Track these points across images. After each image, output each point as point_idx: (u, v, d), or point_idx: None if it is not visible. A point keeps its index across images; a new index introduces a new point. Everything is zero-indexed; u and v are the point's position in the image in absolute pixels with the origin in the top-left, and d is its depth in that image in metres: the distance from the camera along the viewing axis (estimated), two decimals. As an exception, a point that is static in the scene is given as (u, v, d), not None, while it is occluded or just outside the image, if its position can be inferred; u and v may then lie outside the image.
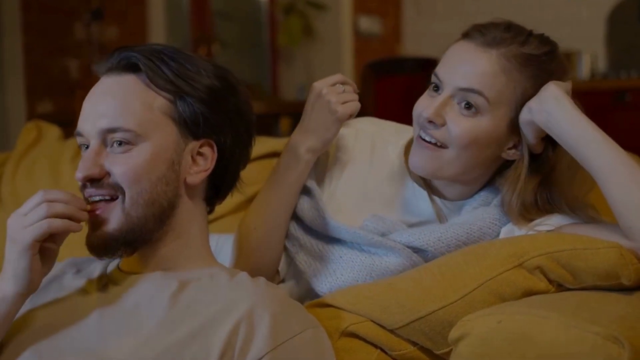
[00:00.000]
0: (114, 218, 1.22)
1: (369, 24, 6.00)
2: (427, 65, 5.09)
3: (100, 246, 1.23)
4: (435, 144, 1.39)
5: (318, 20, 5.76)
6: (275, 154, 1.92)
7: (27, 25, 4.62)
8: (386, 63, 5.10)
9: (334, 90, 1.44)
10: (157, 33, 5.15)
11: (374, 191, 1.50)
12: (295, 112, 5.12)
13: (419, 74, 4.80)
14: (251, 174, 1.42)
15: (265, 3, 6.03)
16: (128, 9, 5.10)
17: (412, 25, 6.20)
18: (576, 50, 4.98)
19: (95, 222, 1.23)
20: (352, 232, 1.43)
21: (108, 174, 1.22)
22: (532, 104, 1.35)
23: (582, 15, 5.51)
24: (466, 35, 1.40)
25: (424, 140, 1.40)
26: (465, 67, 1.37)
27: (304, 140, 1.45)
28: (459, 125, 1.36)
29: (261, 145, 1.92)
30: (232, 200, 1.40)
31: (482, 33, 1.38)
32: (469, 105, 1.36)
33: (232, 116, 1.29)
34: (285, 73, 6.00)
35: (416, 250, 1.41)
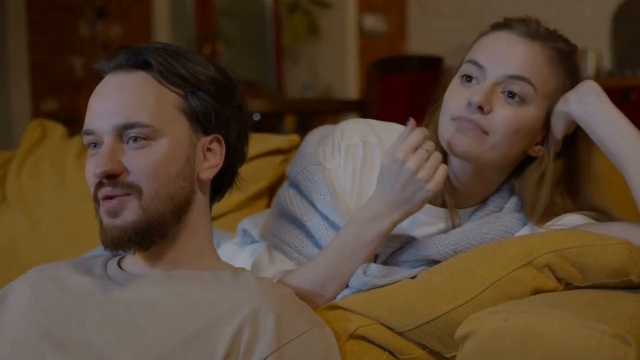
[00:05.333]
0: (132, 209, 1.21)
1: (374, 22, 6.00)
2: (432, 63, 5.11)
3: (118, 237, 1.21)
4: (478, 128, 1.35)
5: (323, 19, 5.76)
6: (279, 152, 1.92)
7: (31, 23, 4.62)
8: (391, 61, 5.09)
9: (419, 160, 1.31)
10: (162, 31, 5.16)
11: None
12: (299, 110, 5.16)
13: (424, 72, 4.80)
14: (256, 172, 1.42)
15: (270, 1, 6.03)
16: (132, 7, 5.11)
17: (417, 23, 6.19)
18: (581, 49, 4.96)
19: (113, 212, 1.21)
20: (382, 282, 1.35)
21: (126, 170, 1.21)
22: (570, 95, 1.36)
23: (586, 13, 5.50)
24: (505, 26, 1.38)
25: (467, 121, 1.34)
26: (512, 55, 1.35)
27: (390, 215, 1.34)
28: (507, 114, 1.34)
29: (265, 142, 1.92)
30: (233, 198, 1.39)
31: (524, 23, 1.37)
32: (513, 94, 1.34)
33: (237, 111, 1.30)
34: (290, 71, 6.00)
35: (433, 261, 1.38)
